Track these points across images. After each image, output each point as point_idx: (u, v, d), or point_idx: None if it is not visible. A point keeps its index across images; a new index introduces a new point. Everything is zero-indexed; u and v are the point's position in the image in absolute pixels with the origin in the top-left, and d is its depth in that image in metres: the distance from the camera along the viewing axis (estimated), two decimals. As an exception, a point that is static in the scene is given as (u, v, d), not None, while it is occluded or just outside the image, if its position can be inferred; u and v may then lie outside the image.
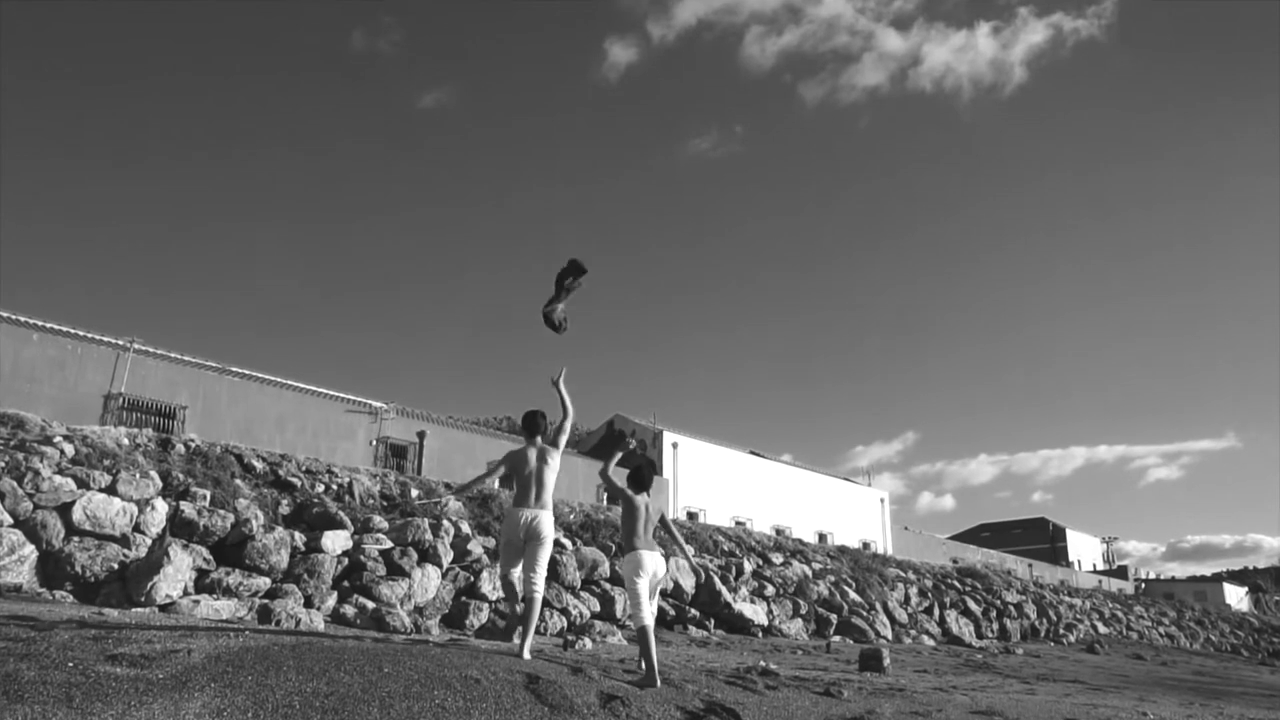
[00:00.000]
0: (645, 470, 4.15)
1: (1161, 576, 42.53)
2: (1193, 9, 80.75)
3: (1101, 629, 18.29)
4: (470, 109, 76.46)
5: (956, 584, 15.67)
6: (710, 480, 21.70)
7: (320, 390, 14.49)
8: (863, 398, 77.73)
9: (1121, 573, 37.61)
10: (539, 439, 4.27)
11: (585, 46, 78.22)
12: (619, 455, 4.22)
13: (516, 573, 4.05)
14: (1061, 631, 16.38)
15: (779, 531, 20.03)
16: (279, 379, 14.18)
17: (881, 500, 27.34)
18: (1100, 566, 40.17)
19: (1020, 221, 79.18)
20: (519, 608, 3.97)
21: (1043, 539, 40.35)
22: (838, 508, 25.21)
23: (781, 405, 73.65)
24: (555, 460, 4.20)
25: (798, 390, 75.32)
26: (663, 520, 4.25)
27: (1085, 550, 41.21)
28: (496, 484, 9.74)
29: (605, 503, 16.01)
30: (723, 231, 77.99)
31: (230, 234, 65.15)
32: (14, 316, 11.55)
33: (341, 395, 14.72)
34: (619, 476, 4.02)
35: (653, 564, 3.80)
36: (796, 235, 78.09)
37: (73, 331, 12.03)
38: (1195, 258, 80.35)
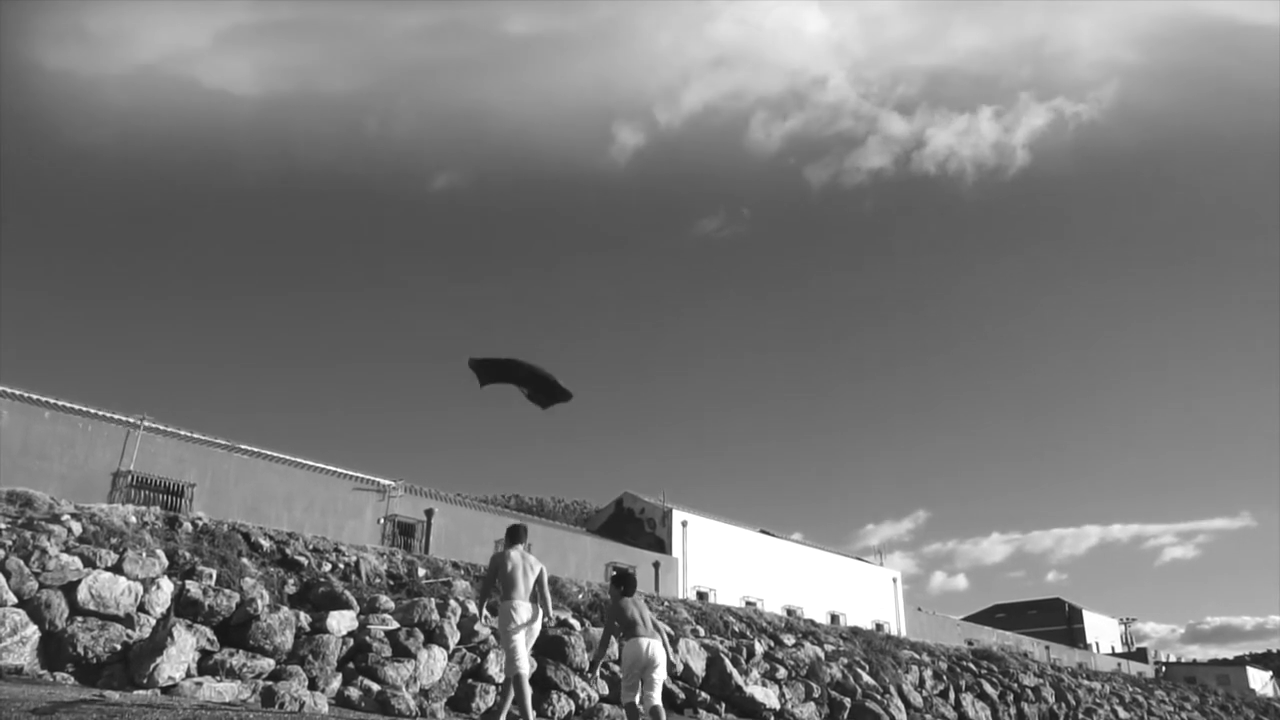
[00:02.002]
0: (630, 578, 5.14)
1: (1182, 659, 41.63)
2: (1189, 93, 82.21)
3: (1122, 714, 17.83)
4: (480, 189, 77.76)
5: (972, 666, 15.35)
6: (720, 559, 21.45)
7: (328, 468, 14.47)
8: (873, 476, 77.26)
9: (1141, 655, 36.81)
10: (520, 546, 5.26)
11: (593, 130, 79.78)
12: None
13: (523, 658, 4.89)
14: (1081, 717, 15.98)
15: (790, 612, 19.73)
16: (287, 456, 14.18)
17: (894, 580, 26.96)
18: (1119, 649, 39.36)
19: (1025, 301, 79.55)
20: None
21: (1059, 620, 39.61)
22: (850, 588, 24.84)
23: (791, 483, 73.22)
24: (536, 563, 5.22)
25: (807, 468, 74.94)
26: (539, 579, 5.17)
27: (1103, 632, 40.41)
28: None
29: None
30: (732, 310, 78.47)
31: (237, 311, 65.81)
32: (26, 394, 11.63)
33: (349, 473, 14.69)
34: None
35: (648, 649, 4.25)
36: (805, 314, 78.52)
37: (84, 409, 12.09)
38: (1203, 333, 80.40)
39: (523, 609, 5.05)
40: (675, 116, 78.39)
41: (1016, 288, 77.91)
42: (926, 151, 78.49)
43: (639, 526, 21.66)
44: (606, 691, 8.64)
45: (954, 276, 79.92)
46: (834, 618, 22.36)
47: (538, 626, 5.19)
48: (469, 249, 77.36)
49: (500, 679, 7.93)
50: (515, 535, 5.29)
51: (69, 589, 6.60)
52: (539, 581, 5.18)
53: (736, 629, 11.94)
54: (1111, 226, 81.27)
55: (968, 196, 78.82)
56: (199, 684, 6.28)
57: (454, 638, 8.12)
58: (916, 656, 14.33)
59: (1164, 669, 34.90)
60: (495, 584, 5.18)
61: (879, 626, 23.03)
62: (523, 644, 5.03)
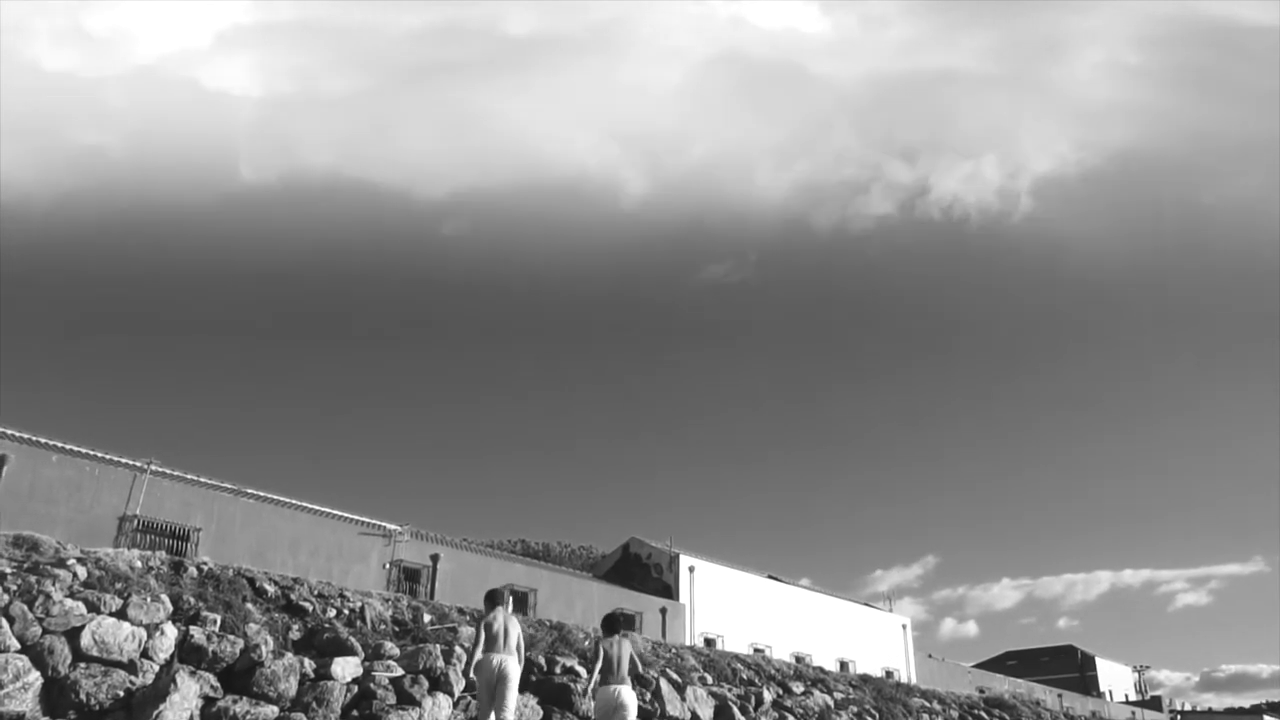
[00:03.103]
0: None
1: (1198, 708, 40.95)
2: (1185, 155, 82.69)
3: (1138, 764, 17.51)
4: (486, 234, 78.26)
5: (984, 714, 15.13)
6: (728, 605, 21.25)
7: (334, 512, 14.44)
8: (881, 521, 76.71)
9: (1155, 704, 36.24)
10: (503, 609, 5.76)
11: (601, 177, 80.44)
12: None
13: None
14: (1096, 767, 15.71)
15: (799, 659, 19.49)
16: (293, 500, 14.16)
17: (903, 626, 26.66)
18: (1133, 697, 38.76)
19: (1034, 345, 79.49)
20: None
21: (1071, 667, 39.07)
22: (859, 634, 24.57)
23: (799, 528, 72.73)
24: (515, 625, 5.72)
25: (815, 513, 74.48)
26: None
27: (1116, 680, 39.83)
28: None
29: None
30: (741, 355, 78.53)
31: (244, 354, 66.04)
32: (33, 437, 11.66)
33: (355, 517, 14.65)
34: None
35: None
36: (814, 359, 78.52)
37: (91, 453, 12.11)
38: (1212, 376, 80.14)
39: (494, 659, 5.62)
40: (682, 161, 79.06)
41: (1022, 332, 77.94)
42: (931, 198, 78.90)
43: (646, 572, 21.50)
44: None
45: (960, 322, 79.99)
46: (843, 665, 22.09)
47: (512, 680, 5.65)
48: (474, 292, 77.70)
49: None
50: (493, 599, 5.92)
51: (72, 634, 6.57)
52: (518, 645, 5.77)
53: (745, 676, 11.80)
54: (1114, 269, 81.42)
55: (973, 241, 79.10)
56: (201, 732, 6.23)
57: (459, 685, 8.03)
58: (927, 704, 14.13)
59: (1179, 718, 34.32)
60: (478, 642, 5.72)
61: (889, 674, 22.74)
62: (486, 697, 5.62)
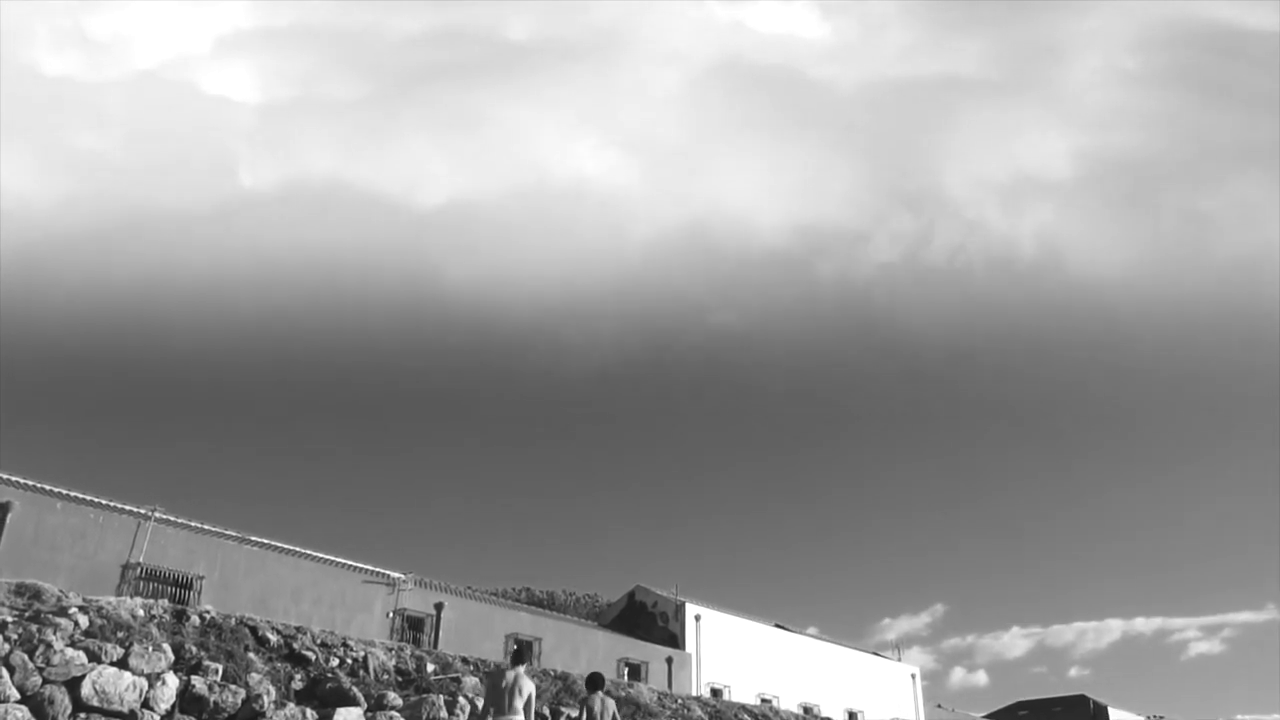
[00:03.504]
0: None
1: (1213, 760, 40.12)
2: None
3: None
4: (490, 282, 78.60)
5: (996, 768, 14.87)
6: (735, 654, 21.01)
7: (338, 560, 14.36)
8: (889, 568, 75.98)
9: (1171, 756, 35.55)
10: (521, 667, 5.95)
11: (609, 229, 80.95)
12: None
13: None
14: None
15: (807, 709, 19.22)
16: (297, 548, 14.09)
17: (912, 676, 26.30)
18: (1147, 748, 38.05)
19: (1045, 393, 79.26)
20: None
21: (1084, 717, 38.41)
22: (867, 684, 24.23)
23: (806, 576, 72.04)
24: (527, 684, 5.85)
25: (823, 561, 73.82)
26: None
27: (1130, 731, 39.15)
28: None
29: (625, 677, 15.53)
30: (748, 401, 78.44)
31: (250, 402, 66.06)
32: (39, 484, 11.66)
33: (359, 565, 14.57)
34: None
35: None
36: (822, 406, 78.35)
37: (95, 500, 12.09)
38: (1224, 425, 79.73)
39: None
40: (687, 210, 79.47)
41: (1031, 380, 77.70)
42: (935, 245, 79.05)
43: (651, 620, 21.30)
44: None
45: (967, 369, 79.76)
46: (852, 715, 21.76)
47: None
48: (479, 337, 77.85)
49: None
50: (518, 656, 6.21)
51: (73, 684, 6.52)
52: (527, 704, 5.86)
53: (752, 727, 11.65)
54: (1127, 310, 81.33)
55: (977, 288, 79.14)
56: (201, 784, 6.16)
57: (462, 736, 7.95)
58: (938, 757, 13.90)
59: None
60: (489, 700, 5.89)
61: (898, 725, 22.37)
62: None
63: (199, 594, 12.13)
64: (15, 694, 6.21)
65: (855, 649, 26.03)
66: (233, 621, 8.60)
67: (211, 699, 6.92)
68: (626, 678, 15.09)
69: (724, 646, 21.03)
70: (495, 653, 15.10)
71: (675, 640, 20.19)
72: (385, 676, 8.74)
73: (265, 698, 7.12)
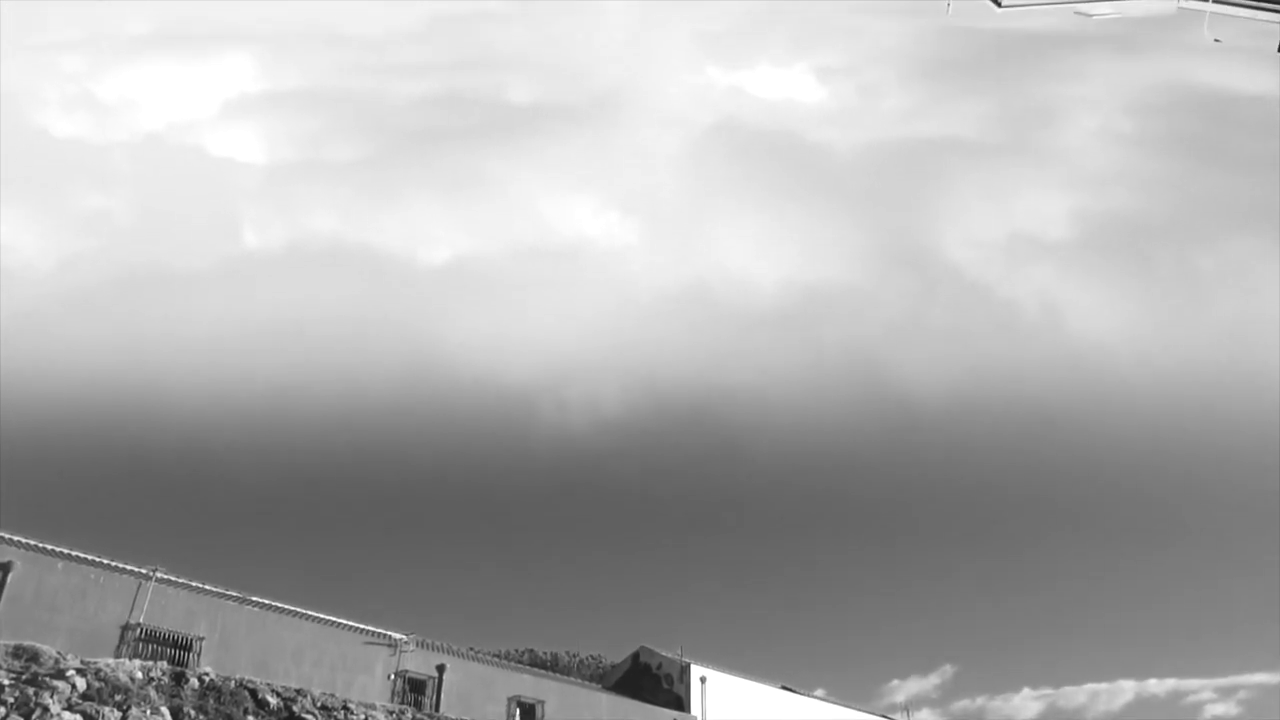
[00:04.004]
0: None
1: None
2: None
3: None
4: (492, 340, 78.68)
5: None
6: (740, 717, 20.65)
7: (339, 621, 14.17)
8: (897, 629, 74.89)
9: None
10: None
11: (610, 288, 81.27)
12: None
13: None
14: None
15: (815, 775, 18.82)
16: (297, 609, 13.90)
17: (922, 740, 25.86)
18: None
19: (1051, 458, 78.85)
20: None
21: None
22: (876, 748, 23.81)
23: (813, 637, 71.06)
24: None
25: (830, 621, 72.83)
26: None
27: (1145, 795, 38.30)
28: None
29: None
30: (752, 461, 77.98)
31: (247, 464, 65.69)
32: (40, 544, 11.53)
33: (360, 626, 14.36)
34: None
35: None
36: (827, 466, 77.88)
37: (96, 560, 11.96)
38: (1234, 487, 79.20)
39: None
40: (690, 270, 79.84)
41: (1040, 443, 77.27)
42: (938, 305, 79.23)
43: (656, 682, 20.97)
44: None
45: (973, 430, 79.43)
46: (860, 781, 21.31)
47: None
48: (483, 401, 77.65)
49: None
50: None
51: (71, 749, 6.38)
52: None
53: (761, 794, 11.38)
54: (1128, 369, 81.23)
55: (980, 347, 79.10)
56: None
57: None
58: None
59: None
60: None
61: (908, 791, 21.93)
62: None
63: (199, 655, 11.93)
64: (12, 759, 6.08)
65: (864, 711, 25.61)
66: (232, 684, 8.47)
67: (212, 764, 6.77)
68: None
69: (729, 709, 20.69)
70: (498, 716, 14.82)
71: (680, 703, 19.87)
72: (388, 741, 8.57)
73: (266, 763, 6.96)
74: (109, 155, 41.67)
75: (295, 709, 8.57)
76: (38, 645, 8.08)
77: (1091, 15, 40.31)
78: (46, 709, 6.60)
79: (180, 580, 12.62)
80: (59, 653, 8.07)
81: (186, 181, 40.85)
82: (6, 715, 6.43)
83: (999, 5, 42.20)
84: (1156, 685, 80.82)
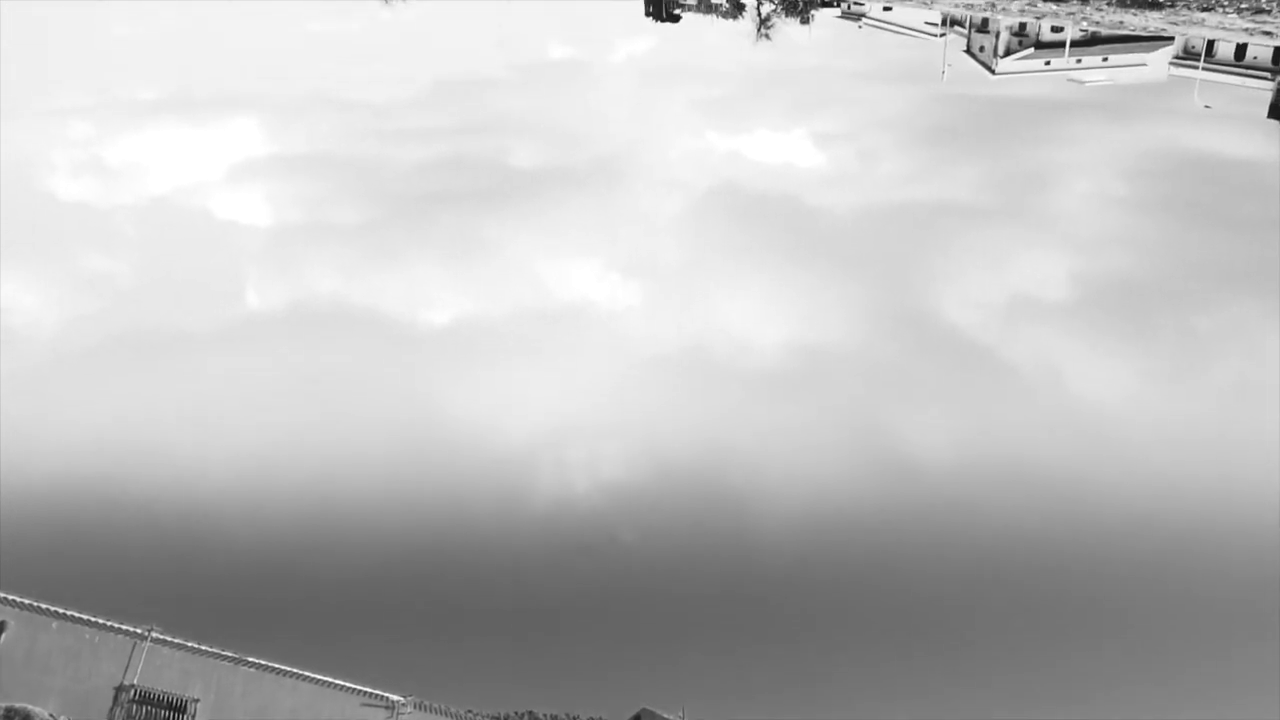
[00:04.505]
0: None
1: None
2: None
3: None
4: (492, 400, 78.43)
5: None
6: (744, 787, 20.15)
7: (336, 682, 13.96)
8: (909, 686, 73.25)
9: None
10: None
11: (611, 350, 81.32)
12: None
13: None
14: None
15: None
16: (295, 670, 13.70)
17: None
18: None
19: (1066, 533, 77.98)
20: None
21: None
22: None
23: (821, 697, 69.55)
24: None
25: (838, 689, 71.33)
26: None
27: None
28: None
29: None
30: (758, 521, 77.20)
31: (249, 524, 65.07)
32: (35, 603, 11.41)
33: (358, 688, 14.14)
34: None
35: None
36: (831, 529, 77.11)
37: (91, 619, 11.82)
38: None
39: None
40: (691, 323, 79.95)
41: (1039, 519, 76.49)
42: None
43: (658, 747, 20.52)
44: None
45: (974, 497, 78.63)
46: None
47: None
48: (486, 463, 77.16)
49: None
50: None
51: (63, 810, 6.23)
52: None
53: None
54: (1130, 433, 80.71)
55: (980, 410, 78.67)
56: None
57: None
58: None
59: None
60: None
61: None
62: None
63: (194, 717, 11.74)
64: (2, 820, 5.92)
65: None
66: (228, 745, 8.29)
67: (206, 827, 6.60)
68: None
69: (732, 776, 20.21)
70: (497, 782, 14.51)
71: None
72: (386, 804, 8.38)
73: (262, 825, 6.78)
74: (114, 218, 42.30)
75: (291, 773, 8.37)
76: (30, 707, 7.94)
77: (1084, 82, 41.13)
78: (37, 772, 6.45)
79: (176, 640, 12.46)
80: (51, 714, 7.93)
81: (191, 244, 41.34)
82: (-4, 777, 6.28)
83: (993, 73, 43.05)
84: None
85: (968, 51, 45.07)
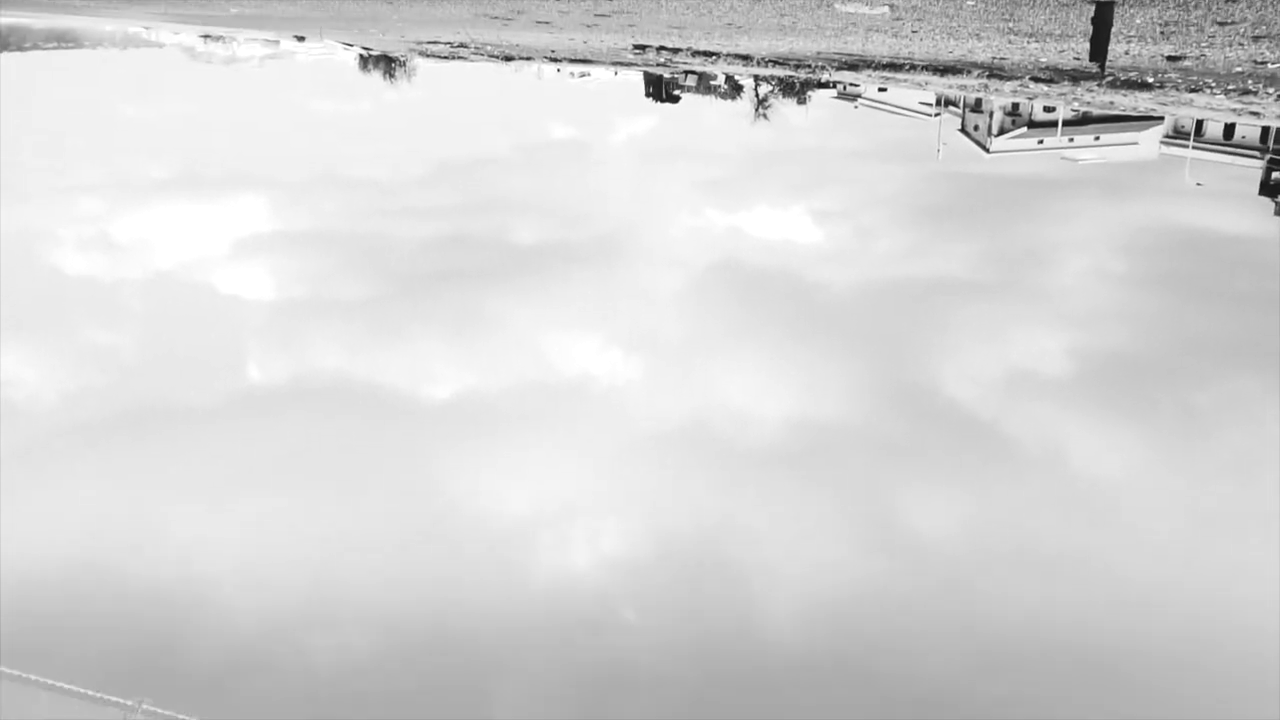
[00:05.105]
0: None
1: None
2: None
3: None
4: (493, 475, 78.09)
5: None
6: None
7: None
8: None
9: None
10: None
11: (611, 425, 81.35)
12: None
13: None
14: None
15: None
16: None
17: None
18: None
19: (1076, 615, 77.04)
20: None
21: None
22: None
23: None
24: None
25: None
26: None
27: None
28: None
29: None
30: (764, 603, 76.20)
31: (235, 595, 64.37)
32: (25, 675, 11.31)
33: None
34: None
35: None
36: (842, 610, 76.06)
37: (83, 691, 11.73)
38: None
39: None
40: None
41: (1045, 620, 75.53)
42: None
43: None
44: None
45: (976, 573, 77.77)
46: None
47: None
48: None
49: None
50: None
51: None
52: None
53: None
54: (1136, 511, 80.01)
55: (981, 486, 78.23)
56: None
57: None
58: None
59: None
60: None
61: None
62: None
63: (182, 796, 11.54)
64: None
65: None
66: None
67: None
68: None
69: None
70: None
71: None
72: None
73: None
74: (119, 293, 43.04)
75: None
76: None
77: (1077, 161, 41.85)
78: None
79: (167, 712, 12.35)
80: (37, 793, 7.75)
81: (194, 319, 41.96)
82: None
83: (987, 151, 43.86)
84: None
85: (962, 130, 46.08)
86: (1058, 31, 6.65)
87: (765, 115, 53.97)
